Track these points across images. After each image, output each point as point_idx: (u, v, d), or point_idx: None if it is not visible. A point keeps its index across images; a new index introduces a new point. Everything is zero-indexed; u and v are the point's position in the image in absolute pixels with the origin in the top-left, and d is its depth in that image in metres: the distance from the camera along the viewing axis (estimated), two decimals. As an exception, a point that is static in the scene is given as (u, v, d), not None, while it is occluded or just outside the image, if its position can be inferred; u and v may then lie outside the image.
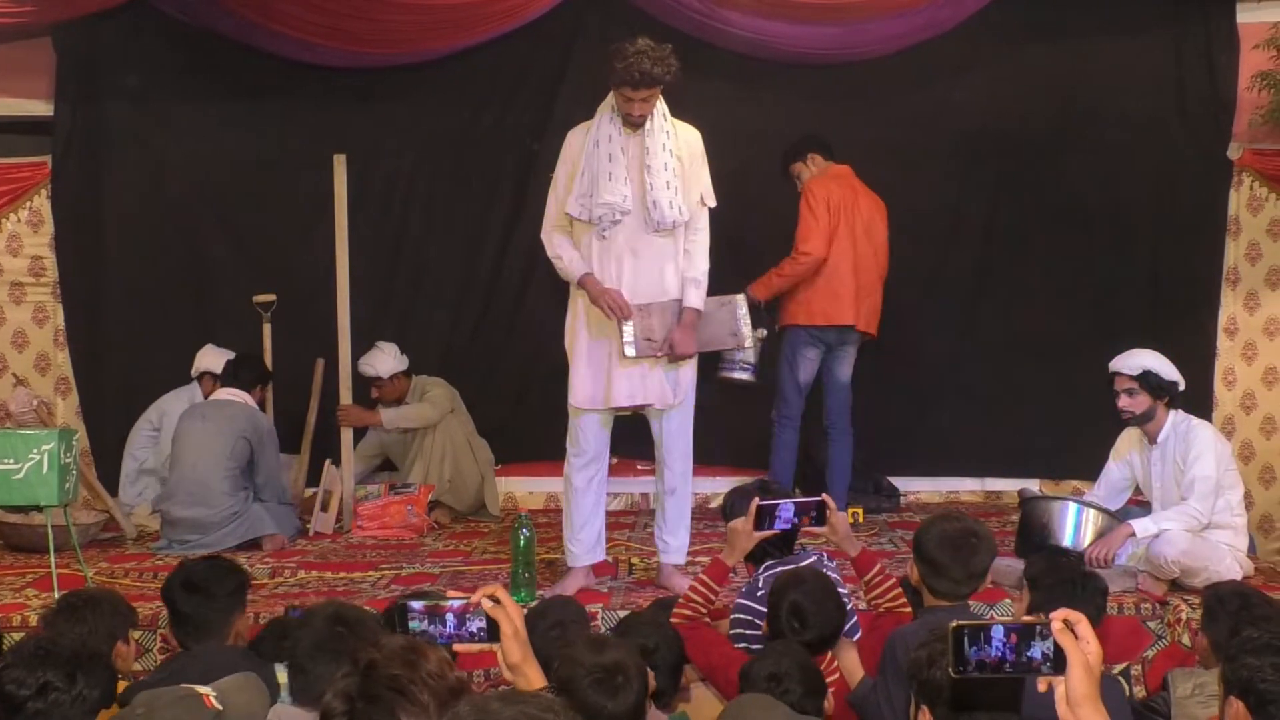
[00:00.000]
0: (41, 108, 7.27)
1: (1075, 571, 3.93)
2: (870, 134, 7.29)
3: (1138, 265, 7.29)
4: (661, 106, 4.96)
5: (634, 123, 4.89)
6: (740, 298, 5.27)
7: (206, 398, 6.74)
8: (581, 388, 5.03)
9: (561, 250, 5.03)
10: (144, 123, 7.37)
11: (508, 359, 7.52)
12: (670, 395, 5.03)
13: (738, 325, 5.16)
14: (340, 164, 6.64)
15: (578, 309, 5.08)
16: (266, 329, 7.10)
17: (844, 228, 6.39)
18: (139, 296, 7.39)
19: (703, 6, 6.70)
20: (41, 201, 7.32)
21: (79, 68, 7.23)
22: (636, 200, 4.91)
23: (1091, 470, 5.83)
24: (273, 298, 7.14)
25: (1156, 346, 5.47)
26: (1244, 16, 7.08)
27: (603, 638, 3.12)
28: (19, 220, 7.33)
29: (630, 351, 4.87)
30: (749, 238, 7.24)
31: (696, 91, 6.94)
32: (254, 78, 7.18)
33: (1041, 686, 1.94)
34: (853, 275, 6.41)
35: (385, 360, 7.04)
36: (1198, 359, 6.97)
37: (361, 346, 6.98)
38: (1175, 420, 5.25)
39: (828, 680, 3.59)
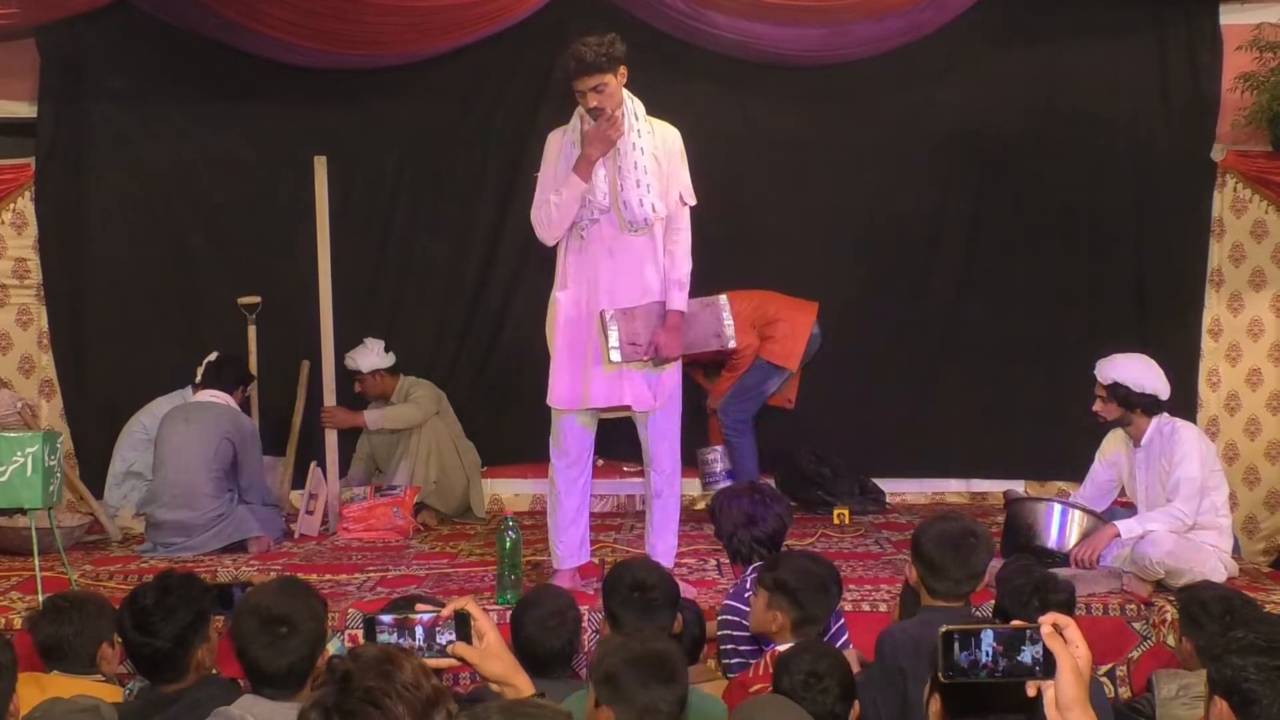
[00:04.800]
0: (25, 109, 7.25)
1: (1037, 576, 3.96)
2: (854, 136, 7.34)
3: (1121, 267, 7.31)
4: (634, 105, 4.91)
5: (599, 118, 4.82)
6: (723, 299, 5.15)
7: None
8: (559, 388, 4.97)
9: (550, 194, 4.89)
10: (128, 124, 7.34)
11: (494, 360, 7.51)
12: (651, 398, 4.96)
13: (721, 326, 5.09)
14: (321, 165, 6.62)
15: (558, 308, 5.00)
16: (251, 331, 7.09)
17: (755, 303, 6.86)
18: (123, 299, 7.36)
19: (687, 8, 6.70)
20: (25, 203, 7.28)
21: (63, 69, 7.19)
22: (612, 199, 4.87)
23: (1077, 471, 5.85)
24: (257, 299, 7.13)
25: (1140, 348, 5.48)
26: (1227, 18, 7.11)
27: (637, 631, 3.03)
28: (3, 222, 7.28)
29: (615, 357, 4.80)
30: (734, 239, 7.26)
31: (680, 92, 6.97)
32: (238, 79, 7.16)
33: (1030, 691, 1.95)
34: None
35: (367, 356, 7.05)
36: (1182, 360, 6.98)
37: (347, 348, 6.99)
38: (1159, 422, 5.25)
39: None
